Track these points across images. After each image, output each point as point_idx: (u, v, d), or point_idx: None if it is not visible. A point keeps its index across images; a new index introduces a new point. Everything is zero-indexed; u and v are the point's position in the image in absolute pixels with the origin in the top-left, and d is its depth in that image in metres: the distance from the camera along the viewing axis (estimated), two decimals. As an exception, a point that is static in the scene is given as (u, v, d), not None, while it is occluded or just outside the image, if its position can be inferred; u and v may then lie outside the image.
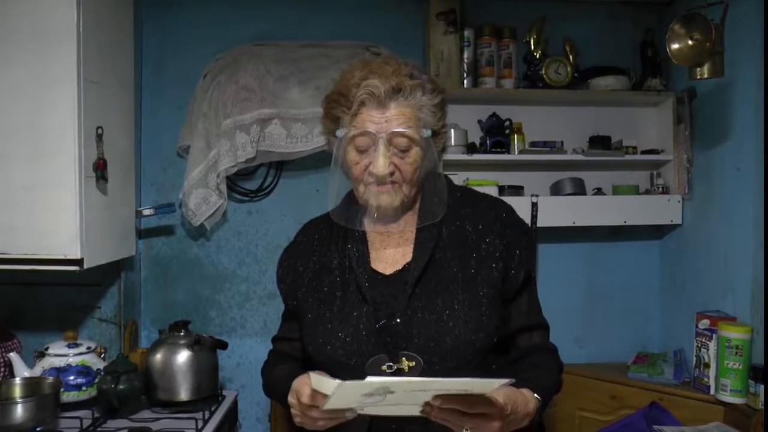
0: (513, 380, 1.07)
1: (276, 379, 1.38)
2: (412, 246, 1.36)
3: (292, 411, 1.22)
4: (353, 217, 1.38)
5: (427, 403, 1.06)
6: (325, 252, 1.43)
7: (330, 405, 1.06)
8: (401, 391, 1.03)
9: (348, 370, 1.26)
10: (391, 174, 1.29)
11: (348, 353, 1.29)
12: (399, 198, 1.32)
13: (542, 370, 1.33)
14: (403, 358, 1.27)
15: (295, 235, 1.54)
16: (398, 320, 1.29)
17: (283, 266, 1.50)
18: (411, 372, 1.26)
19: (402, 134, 1.27)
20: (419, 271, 1.31)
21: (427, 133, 1.30)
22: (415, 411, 1.08)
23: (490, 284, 1.31)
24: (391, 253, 1.38)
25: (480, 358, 1.29)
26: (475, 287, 1.31)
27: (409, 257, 1.35)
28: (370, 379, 1.00)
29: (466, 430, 1.09)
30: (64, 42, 1.88)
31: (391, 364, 1.27)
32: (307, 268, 1.43)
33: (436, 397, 1.04)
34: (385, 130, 1.26)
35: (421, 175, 1.34)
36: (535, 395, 1.24)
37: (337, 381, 1.01)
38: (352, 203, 1.41)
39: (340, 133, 1.31)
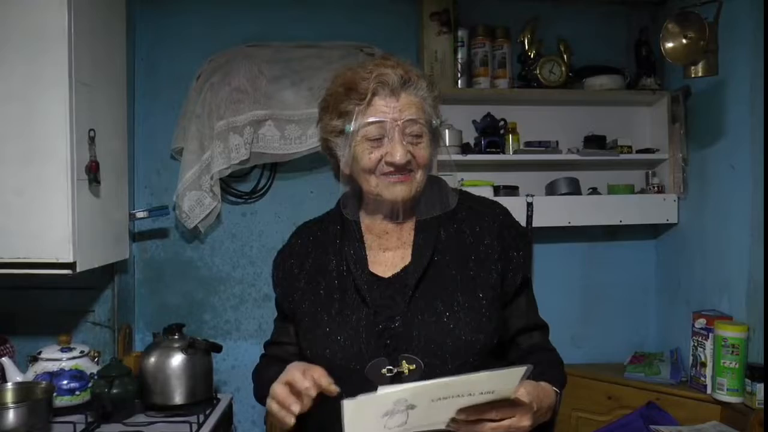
0: (532, 366, 1.05)
1: (266, 383, 1.37)
2: (410, 249, 1.35)
3: (273, 405, 1.18)
4: (364, 211, 1.41)
5: (453, 419, 1.05)
6: (320, 254, 1.41)
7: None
8: (424, 403, 1.00)
9: (347, 373, 1.24)
10: (408, 162, 1.29)
11: (347, 357, 1.28)
12: (414, 187, 1.32)
13: (547, 366, 1.33)
14: (403, 362, 1.25)
15: (290, 237, 1.52)
16: (398, 323, 1.28)
17: (278, 268, 1.48)
18: (411, 375, 1.24)
19: (416, 121, 1.29)
20: (419, 274, 1.31)
21: (436, 122, 1.34)
22: (441, 426, 1.07)
23: (489, 286, 1.31)
24: (389, 256, 1.37)
25: (480, 360, 1.28)
26: (474, 289, 1.30)
27: (407, 260, 1.34)
28: (383, 390, 0.95)
29: None
30: (55, 44, 1.87)
31: (391, 367, 1.25)
32: (302, 270, 1.41)
33: (461, 410, 1.03)
34: (400, 119, 1.27)
35: (431, 165, 1.35)
36: (553, 388, 1.25)
37: (349, 401, 0.95)
38: (359, 199, 1.41)
39: (351, 126, 1.30)
